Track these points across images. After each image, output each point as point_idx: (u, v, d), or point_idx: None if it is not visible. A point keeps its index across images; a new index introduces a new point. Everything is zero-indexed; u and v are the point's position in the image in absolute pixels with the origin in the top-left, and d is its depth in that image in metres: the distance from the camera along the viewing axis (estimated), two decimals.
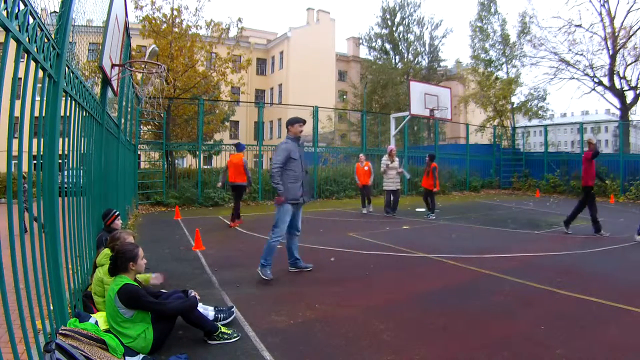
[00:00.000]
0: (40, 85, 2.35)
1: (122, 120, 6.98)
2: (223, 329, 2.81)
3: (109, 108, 5.24)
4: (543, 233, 7.44)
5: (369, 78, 28.30)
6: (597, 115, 46.41)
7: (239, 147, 8.51)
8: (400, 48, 29.88)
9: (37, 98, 2.36)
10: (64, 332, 2.08)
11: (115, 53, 5.08)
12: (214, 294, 3.79)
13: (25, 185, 4.80)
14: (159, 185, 11.79)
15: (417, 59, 29.95)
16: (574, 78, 19.74)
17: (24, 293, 2.01)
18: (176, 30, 12.36)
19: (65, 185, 2.92)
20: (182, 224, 8.35)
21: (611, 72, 18.13)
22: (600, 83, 18.96)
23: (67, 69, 2.69)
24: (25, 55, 2.04)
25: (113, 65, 5.00)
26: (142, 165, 13.26)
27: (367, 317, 3.23)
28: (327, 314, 3.31)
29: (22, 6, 1.91)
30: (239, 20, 13.79)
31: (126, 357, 2.34)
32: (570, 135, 34.27)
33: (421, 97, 13.51)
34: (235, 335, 2.82)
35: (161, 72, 6.69)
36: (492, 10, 22.05)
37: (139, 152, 11.65)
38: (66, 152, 3.02)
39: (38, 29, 2.12)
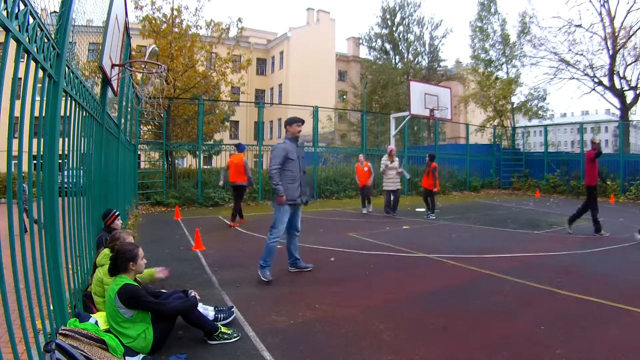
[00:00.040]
0: (40, 85, 2.35)
1: (122, 120, 6.99)
2: (223, 329, 2.81)
3: (109, 108, 5.24)
4: (543, 233, 7.44)
5: (369, 78, 28.30)
6: (597, 115, 46.39)
7: (240, 148, 8.55)
8: (400, 48, 29.88)
9: (37, 98, 2.36)
10: (64, 332, 2.08)
11: (115, 53, 5.08)
12: (214, 294, 3.79)
13: (25, 185, 4.80)
14: (159, 185, 11.79)
15: (417, 59, 29.95)
16: (574, 78, 19.75)
17: (24, 293, 2.02)
18: (176, 30, 12.36)
19: (65, 185, 2.92)
20: (182, 224, 8.35)
21: (611, 72, 18.13)
22: (600, 83, 18.97)
23: (67, 69, 2.69)
24: (25, 55, 2.04)
25: (113, 65, 5.00)
26: (142, 165, 13.26)
27: (367, 317, 3.23)
28: (327, 314, 3.31)
29: (22, 6, 1.91)
30: (239, 20, 13.81)
31: (126, 357, 2.34)
32: (570, 135, 34.24)
33: (421, 97, 13.50)
34: (235, 335, 2.82)
35: (161, 72, 6.69)
36: (492, 10, 22.06)
37: (139, 152, 11.65)
38: (66, 152, 3.02)
39: (38, 29, 2.12)
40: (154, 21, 12.20)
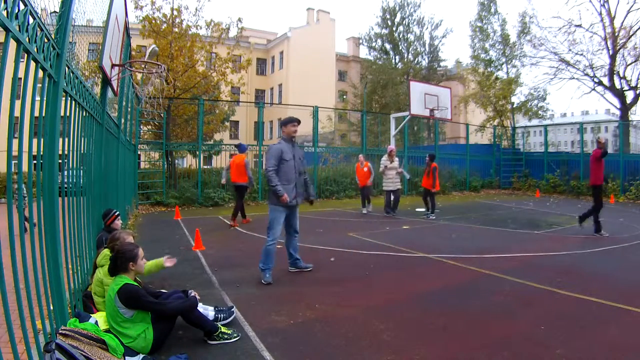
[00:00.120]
0: (40, 85, 2.35)
1: (122, 120, 6.99)
2: (223, 329, 2.81)
3: (109, 108, 5.24)
4: (543, 233, 7.44)
5: (369, 78, 28.30)
6: (597, 115, 46.38)
7: (241, 148, 8.61)
8: (400, 48, 29.89)
9: (37, 98, 2.36)
10: (64, 332, 2.08)
11: (115, 53, 5.08)
12: (214, 294, 3.79)
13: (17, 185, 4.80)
14: (159, 185, 11.79)
15: (417, 59, 29.96)
16: (574, 78, 19.77)
17: (24, 293, 2.02)
18: (176, 30, 12.36)
19: (65, 185, 2.92)
20: (182, 224, 8.35)
21: (611, 72, 18.13)
22: (600, 83, 18.97)
23: (67, 69, 2.69)
24: (25, 55, 2.04)
25: (113, 65, 5.00)
26: (142, 165, 13.27)
27: (367, 317, 3.23)
28: (327, 314, 3.31)
29: (22, 6, 1.91)
30: (239, 20, 13.79)
31: (126, 357, 2.34)
32: (570, 135, 34.31)
33: (421, 97, 13.50)
34: (235, 335, 2.82)
35: (161, 72, 6.69)
36: (492, 10, 22.06)
37: (139, 152, 11.65)
38: (66, 152, 3.02)
39: (38, 29, 2.12)
40: (154, 21, 12.19)
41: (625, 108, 18.18)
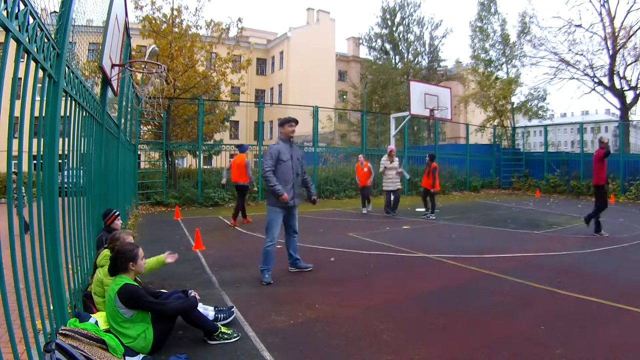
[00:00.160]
0: (40, 85, 2.35)
1: (122, 120, 6.99)
2: (223, 329, 2.81)
3: (109, 108, 5.24)
4: (543, 233, 7.44)
5: (369, 78, 28.30)
6: (597, 115, 46.36)
7: (242, 148, 8.65)
8: (400, 48, 29.90)
9: (37, 98, 2.36)
10: (64, 332, 2.08)
11: (115, 53, 5.08)
12: (214, 294, 3.79)
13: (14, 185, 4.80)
14: (159, 185, 11.79)
15: (417, 59, 29.97)
16: (574, 78, 19.77)
17: (24, 293, 2.01)
18: (176, 30, 12.36)
19: (65, 185, 2.92)
20: (182, 224, 8.35)
21: (611, 72, 18.13)
22: (600, 83, 18.97)
23: (67, 69, 2.69)
24: (25, 55, 2.04)
25: (113, 65, 5.00)
26: (142, 165, 13.27)
27: (367, 317, 3.23)
28: (327, 314, 3.31)
29: (22, 6, 1.91)
30: (239, 20, 13.80)
31: (126, 357, 2.34)
32: (570, 135, 34.30)
33: (421, 97, 13.50)
34: (235, 335, 2.82)
35: (161, 72, 6.69)
36: (492, 10, 22.06)
37: (139, 152, 11.65)
38: (66, 152, 3.02)
39: (38, 29, 2.12)
40: (154, 21, 12.19)
41: (625, 108, 18.19)
